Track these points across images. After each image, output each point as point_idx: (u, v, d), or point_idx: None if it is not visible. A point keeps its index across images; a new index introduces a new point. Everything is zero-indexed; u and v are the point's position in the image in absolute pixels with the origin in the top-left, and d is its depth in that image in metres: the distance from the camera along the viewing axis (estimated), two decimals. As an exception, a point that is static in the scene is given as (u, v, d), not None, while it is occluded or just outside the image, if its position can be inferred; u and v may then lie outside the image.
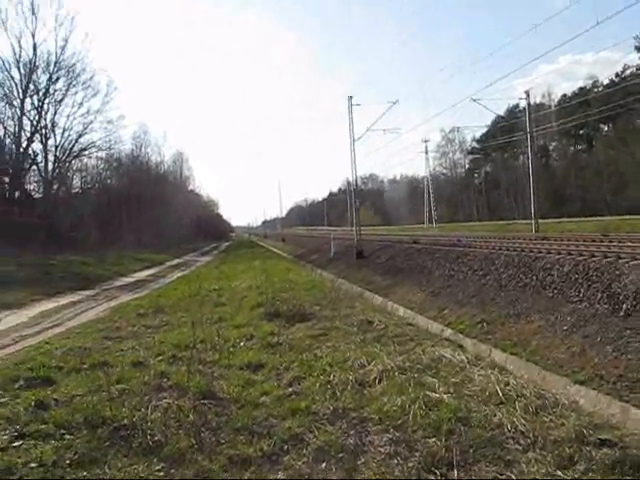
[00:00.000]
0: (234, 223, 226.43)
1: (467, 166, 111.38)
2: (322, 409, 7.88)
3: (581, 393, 8.88)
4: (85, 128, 54.71)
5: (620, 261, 14.50)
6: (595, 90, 76.26)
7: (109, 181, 68.73)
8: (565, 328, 11.80)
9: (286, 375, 9.89)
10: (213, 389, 8.89)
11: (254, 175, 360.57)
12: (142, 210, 66.98)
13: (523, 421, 6.90)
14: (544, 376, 9.98)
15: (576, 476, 5.72)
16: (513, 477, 5.72)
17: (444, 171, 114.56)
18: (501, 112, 76.53)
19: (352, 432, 7.05)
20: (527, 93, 40.30)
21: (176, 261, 53.53)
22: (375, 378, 9.06)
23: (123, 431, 7.19)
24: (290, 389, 9.01)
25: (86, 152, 57.01)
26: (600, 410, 8.14)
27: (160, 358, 11.40)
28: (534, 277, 16.03)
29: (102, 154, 61.95)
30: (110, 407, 7.82)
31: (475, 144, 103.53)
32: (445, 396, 7.86)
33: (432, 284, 20.21)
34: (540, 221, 39.97)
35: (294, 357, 11.05)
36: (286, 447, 6.79)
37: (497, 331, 13.18)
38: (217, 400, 8.45)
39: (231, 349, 12.06)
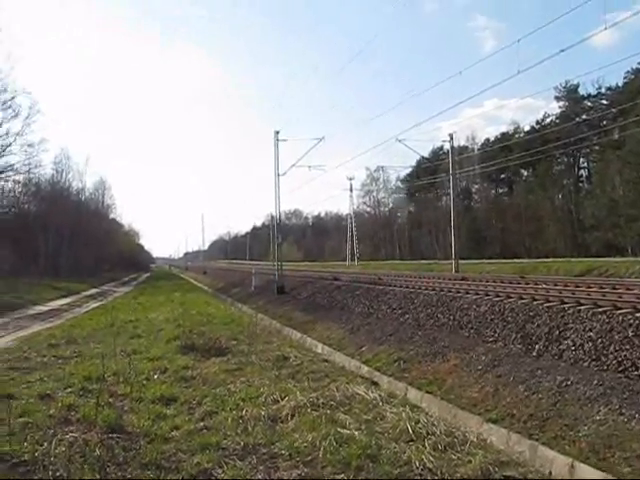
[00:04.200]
0: (155, 254, 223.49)
1: (391, 205, 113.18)
2: (233, 444, 7.79)
3: (493, 431, 9.04)
4: (3, 150, 52.89)
5: (534, 303, 14.97)
6: (517, 136, 79.12)
7: (26, 206, 66.60)
8: (480, 367, 12.01)
9: (198, 409, 9.75)
10: (122, 423, 8.65)
11: (177, 207, 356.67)
12: (60, 237, 65.08)
13: (432, 458, 6.98)
14: (457, 414, 10.12)
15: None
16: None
17: (368, 209, 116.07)
18: (426, 153, 78.49)
19: (261, 468, 6.99)
20: (451, 136, 41.49)
21: (93, 291, 52.15)
22: (288, 414, 9.03)
23: (22, 467, 6.90)
24: (202, 424, 8.87)
25: (2, 175, 55.07)
26: (510, 448, 8.35)
27: (69, 390, 11.02)
28: (452, 317, 16.33)
29: (20, 177, 59.96)
30: (10, 442, 7.50)
31: (399, 184, 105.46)
32: (356, 433, 7.89)
33: (351, 321, 20.28)
34: (461, 262, 40.79)
35: (207, 391, 10.92)
36: (194, 482, 6.68)
37: (413, 369, 13.28)
38: (126, 434, 8.23)
39: (144, 382, 11.79)
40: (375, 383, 12.44)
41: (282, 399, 9.81)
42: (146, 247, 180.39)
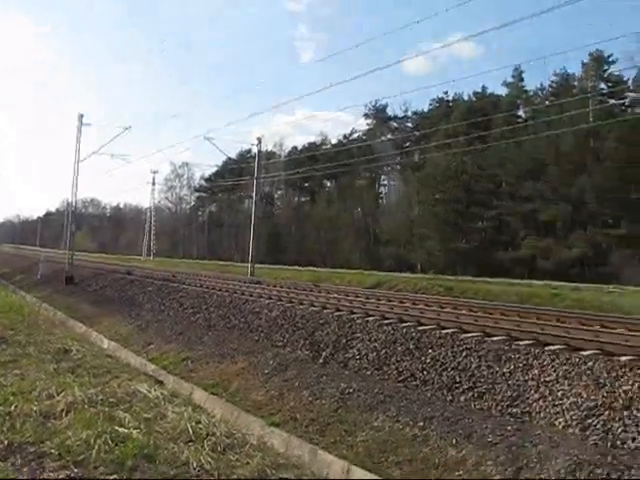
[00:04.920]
0: None
1: (193, 203, 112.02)
2: (-4, 443, 7.18)
3: (275, 435, 9.17)
4: None
5: (325, 311, 15.43)
6: (324, 147, 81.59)
7: None
8: (267, 371, 12.16)
9: (-41, 404, 8.92)
10: None
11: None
12: None
13: (210, 459, 6.90)
14: (241, 417, 10.17)
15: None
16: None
17: (169, 205, 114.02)
18: (233, 154, 78.50)
19: (26, 469, 6.48)
20: (259, 140, 41.54)
21: None
22: (62, 410, 8.50)
23: None
24: (-39, 419, 8.10)
25: None
26: (290, 451, 8.51)
27: None
28: (243, 319, 16.45)
29: None
30: None
31: (203, 182, 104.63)
32: (134, 432, 7.61)
33: (141, 317, 19.83)
34: (258, 266, 41.08)
35: (-28, 384, 10.04)
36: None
37: (201, 370, 13.23)
38: None
39: None
40: (160, 382, 12.16)
41: (58, 394, 9.24)
42: None
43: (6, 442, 7.19)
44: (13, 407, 8.54)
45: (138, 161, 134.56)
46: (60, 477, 6.27)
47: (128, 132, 36.68)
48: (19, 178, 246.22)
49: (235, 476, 6.57)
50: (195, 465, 6.73)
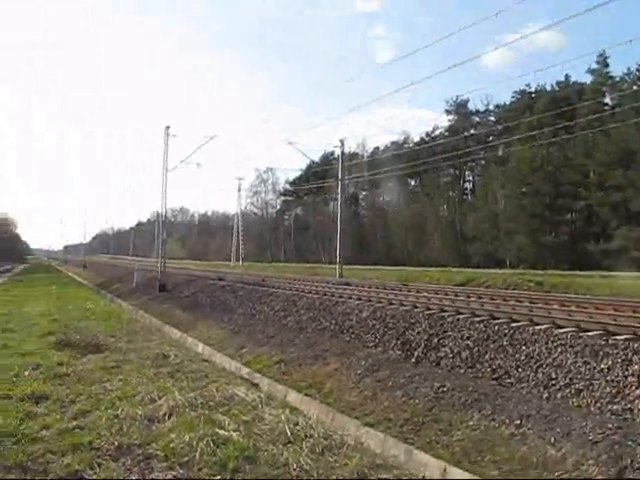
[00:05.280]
0: (34, 246, 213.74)
1: (278, 207, 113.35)
2: (106, 444, 7.54)
3: (370, 435, 9.20)
4: None
5: (415, 310, 15.30)
6: (406, 145, 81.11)
7: None
8: (359, 372, 12.19)
9: (71, 408, 9.37)
10: (-16, 423, 8.20)
11: (59, 198, 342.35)
12: None
13: (309, 460, 7.03)
14: (335, 418, 10.25)
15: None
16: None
17: (255, 210, 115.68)
18: (316, 158, 79.02)
19: (136, 469, 6.81)
20: (341, 142, 41.81)
21: (-40, 282, 49.32)
22: (165, 413, 8.84)
23: None
24: (74, 423, 8.52)
25: None
26: (386, 452, 8.53)
27: None
28: (334, 321, 16.48)
29: None
30: None
31: (288, 186, 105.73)
32: (234, 434, 7.82)
33: (234, 322, 20.17)
34: (345, 267, 41.22)
35: (82, 389, 10.52)
36: (62, 485, 6.43)
37: (294, 372, 13.36)
38: (-11, 435, 7.80)
39: (13, 379, 11.21)
40: (255, 385, 12.41)
41: (160, 398, 9.60)
42: (23, 238, 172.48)
43: (116, 444, 7.56)
44: (120, 411, 8.95)
45: (224, 169, 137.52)
46: (168, 477, 6.55)
47: (214, 141, 37.46)
48: (112, 191, 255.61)
49: (334, 477, 6.67)
50: (295, 466, 6.86)
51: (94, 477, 6.51)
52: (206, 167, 38.58)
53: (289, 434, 8.02)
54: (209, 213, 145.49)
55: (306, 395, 11.60)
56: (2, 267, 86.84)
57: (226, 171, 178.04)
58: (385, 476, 6.91)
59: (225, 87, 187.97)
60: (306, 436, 8.00)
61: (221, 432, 7.86)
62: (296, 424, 8.50)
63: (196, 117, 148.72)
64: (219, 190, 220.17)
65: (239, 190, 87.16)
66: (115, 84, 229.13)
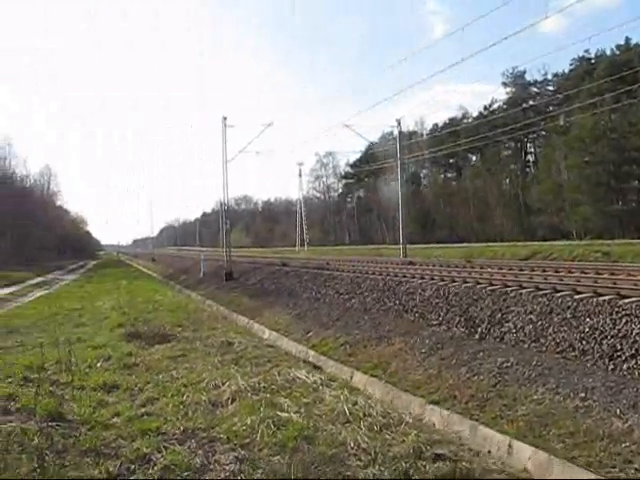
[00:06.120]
0: (104, 242, 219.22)
1: (340, 190, 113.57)
2: (173, 429, 7.86)
3: (435, 413, 9.28)
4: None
5: (478, 286, 15.21)
6: (465, 121, 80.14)
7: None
8: (424, 351, 12.23)
9: (140, 396, 9.76)
10: (62, 411, 8.63)
11: (126, 194, 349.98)
12: (2, 225, 63.49)
13: (366, 439, 7.16)
14: (401, 397, 10.33)
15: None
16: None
17: (317, 194, 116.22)
18: (375, 138, 78.75)
19: (200, 452, 7.07)
20: (398, 122, 41.55)
21: (39, 279, 50.90)
22: (228, 398, 9.12)
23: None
24: (143, 410, 8.90)
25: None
26: (450, 428, 8.62)
27: (9, 380, 10.84)
28: (397, 301, 16.50)
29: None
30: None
31: (349, 169, 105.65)
32: (294, 416, 8.02)
33: (299, 306, 20.36)
34: (409, 246, 41.03)
35: (150, 378, 10.93)
36: (133, 467, 6.74)
37: (359, 353, 13.43)
38: (66, 422, 8.22)
39: (86, 370, 11.73)
40: (318, 367, 12.60)
41: (223, 384, 9.88)
42: (94, 234, 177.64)
43: (182, 428, 7.88)
44: (185, 397, 9.28)
45: (284, 155, 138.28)
46: (230, 459, 6.80)
47: (271, 128, 37.71)
48: (178, 184, 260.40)
49: (391, 454, 6.79)
50: (352, 445, 7.01)
51: (161, 460, 6.79)
52: (266, 154, 38.89)
53: (348, 414, 8.17)
54: (272, 200, 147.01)
55: (371, 376, 11.67)
56: (76, 264, 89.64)
57: (287, 157, 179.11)
58: (442, 451, 6.98)
59: (280, 73, 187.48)
60: (365, 415, 8.14)
61: (282, 414, 8.07)
62: (355, 404, 8.65)
63: (253, 105, 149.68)
64: (281, 176, 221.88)
65: (300, 175, 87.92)
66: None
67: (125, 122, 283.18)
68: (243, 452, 6.95)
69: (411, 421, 8.29)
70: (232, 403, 8.94)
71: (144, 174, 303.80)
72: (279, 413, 8.11)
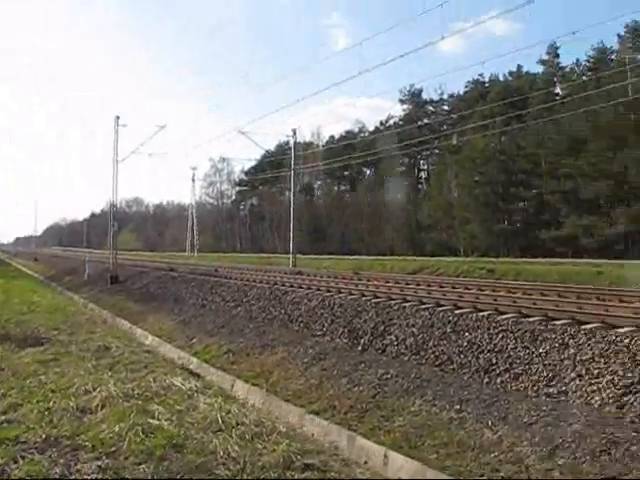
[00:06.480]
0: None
1: (234, 197, 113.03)
2: (34, 437, 7.36)
3: (315, 423, 9.38)
4: None
5: (363, 299, 15.54)
6: (361, 134, 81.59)
7: None
8: (306, 360, 12.35)
9: (2, 402, 9.13)
10: None
11: (7, 189, 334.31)
12: None
13: (237, 448, 7.00)
14: (281, 406, 10.39)
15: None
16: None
17: (210, 200, 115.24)
18: (272, 147, 78.96)
19: (61, 461, 6.67)
20: (294, 131, 41.91)
21: None
22: (98, 405, 8.70)
23: None
24: (2, 417, 8.31)
25: None
26: (328, 438, 8.73)
27: None
28: (283, 310, 16.60)
29: None
30: None
31: (243, 176, 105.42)
32: (165, 423, 7.76)
33: (184, 312, 20.17)
34: (300, 256, 41.33)
35: (15, 383, 10.23)
36: (-18, 480, 6.28)
37: (242, 362, 13.45)
38: None
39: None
40: (197, 375, 12.38)
41: (94, 390, 9.43)
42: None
43: (44, 436, 7.40)
44: (52, 403, 8.78)
45: (178, 159, 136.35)
46: (93, 468, 6.46)
47: (164, 130, 37.17)
48: (65, 181, 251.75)
49: (261, 463, 6.67)
50: (222, 453, 6.83)
51: (16, 472, 6.35)
52: (159, 157, 38.32)
53: (220, 422, 7.99)
54: (164, 203, 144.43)
55: (253, 384, 11.68)
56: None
57: (181, 161, 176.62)
58: (311, 461, 6.93)
59: (178, 75, 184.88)
60: (238, 424, 7.99)
61: (153, 422, 7.79)
62: (229, 412, 8.47)
63: (150, 107, 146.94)
64: (174, 180, 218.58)
65: (193, 180, 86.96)
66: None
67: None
68: (108, 461, 6.60)
69: (285, 430, 8.22)
70: (102, 409, 8.51)
71: (30, 171, 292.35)
72: (150, 420, 7.82)
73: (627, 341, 9.12)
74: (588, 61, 59.98)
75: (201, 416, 8.30)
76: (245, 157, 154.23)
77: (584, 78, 54.59)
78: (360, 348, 12.46)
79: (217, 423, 7.97)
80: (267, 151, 66.82)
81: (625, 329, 10.04)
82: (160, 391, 9.79)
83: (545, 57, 63.54)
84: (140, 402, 8.84)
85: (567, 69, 63.30)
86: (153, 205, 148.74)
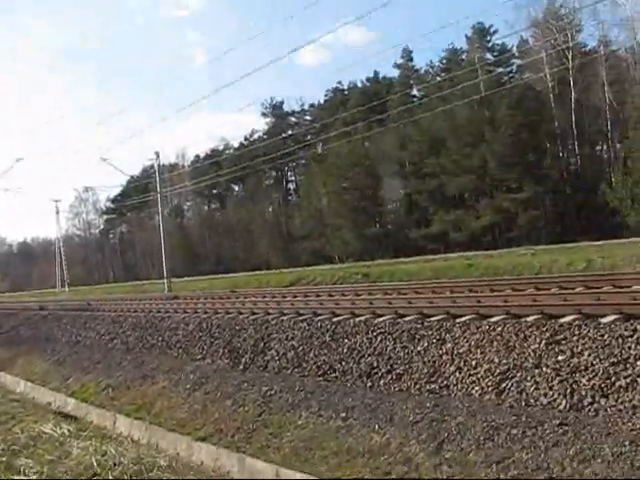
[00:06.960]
0: None
1: (102, 226, 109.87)
2: None
3: (202, 449, 9.07)
4: None
5: (240, 316, 15.15)
6: (226, 151, 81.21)
7: None
8: (188, 386, 11.90)
9: None
10: None
11: None
12: None
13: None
14: (167, 437, 9.98)
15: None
16: None
17: (78, 232, 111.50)
18: (136, 171, 77.22)
19: None
20: (157, 154, 41.19)
21: None
22: (-42, 468, 7.99)
23: None
24: None
25: None
26: (218, 464, 8.51)
27: None
28: (160, 337, 16.03)
29: None
30: None
31: (110, 204, 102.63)
32: (34, 477, 7.18)
33: (58, 352, 19.13)
34: (175, 280, 40.55)
35: None
36: None
37: (122, 396, 12.84)
38: None
39: None
40: (72, 417, 11.70)
41: (-47, 451, 8.68)
42: None
43: None
44: None
45: (39, 192, 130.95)
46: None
47: (20, 163, 35.51)
48: None
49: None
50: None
51: None
52: (16, 192, 36.37)
53: (95, 466, 7.50)
54: (28, 240, 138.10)
55: (136, 418, 11.17)
56: None
57: (42, 194, 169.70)
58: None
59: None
60: (115, 464, 7.55)
61: (18, 479, 7.17)
62: (104, 454, 7.99)
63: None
64: (37, 215, 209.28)
65: (57, 212, 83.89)
66: None
67: None
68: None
69: (166, 464, 7.82)
70: (-38, 473, 7.82)
71: None
72: (16, 478, 7.19)
73: (500, 329, 9.26)
74: (441, 62, 62.42)
75: (74, 463, 7.82)
76: (110, 184, 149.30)
77: (438, 79, 56.68)
78: (242, 367, 12.15)
79: (92, 468, 7.48)
80: (132, 176, 65.50)
81: (496, 318, 10.21)
82: (29, 442, 9.18)
83: (400, 61, 65.82)
84: (4, 459, 8.16)
85: (422, 71, 65.69)
86: (17, 243, 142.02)
